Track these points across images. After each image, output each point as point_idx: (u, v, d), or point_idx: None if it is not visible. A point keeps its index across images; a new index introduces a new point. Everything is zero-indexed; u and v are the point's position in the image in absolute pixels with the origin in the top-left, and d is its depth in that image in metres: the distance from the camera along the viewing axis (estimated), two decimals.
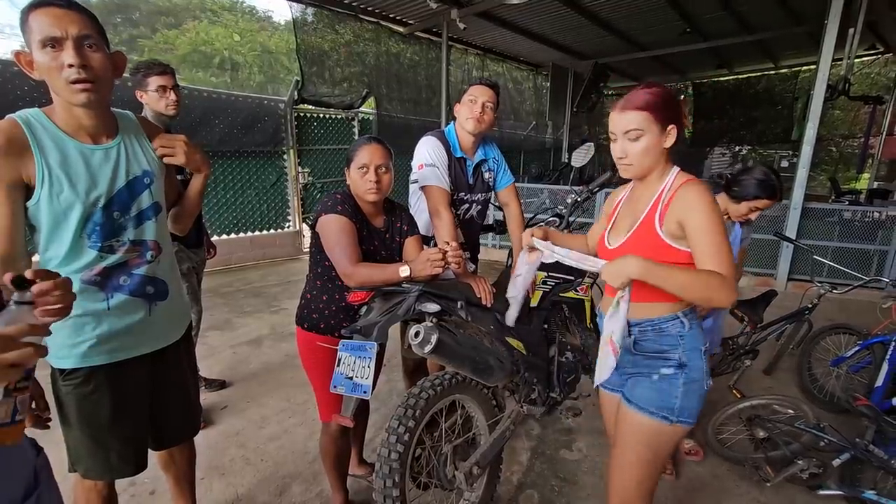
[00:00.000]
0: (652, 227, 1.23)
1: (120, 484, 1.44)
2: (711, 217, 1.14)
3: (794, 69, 10.96)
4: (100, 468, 1.31)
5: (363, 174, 1.59)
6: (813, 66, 5.77)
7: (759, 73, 11.68)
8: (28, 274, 0.75)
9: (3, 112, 1.14)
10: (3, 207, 1.10)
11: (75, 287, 1.19)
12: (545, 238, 1.42)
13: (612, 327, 1.16)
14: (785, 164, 13.85)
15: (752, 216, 1.97)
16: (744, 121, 12.23)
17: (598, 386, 1.49)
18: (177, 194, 1.51)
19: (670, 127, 1.21)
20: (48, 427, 0.88)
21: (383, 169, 1.61)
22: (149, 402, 1.39)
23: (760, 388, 3.03)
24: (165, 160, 1.35)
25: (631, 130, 1.20)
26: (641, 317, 1.29)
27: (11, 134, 1.09)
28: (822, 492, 1.96)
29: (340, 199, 1.60)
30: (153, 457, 1.51)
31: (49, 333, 0.74)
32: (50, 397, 1.20)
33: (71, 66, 1.05)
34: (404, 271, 1.47)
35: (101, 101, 1.16)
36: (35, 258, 1.24)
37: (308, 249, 1.77)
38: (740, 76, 11.84)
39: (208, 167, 1.47)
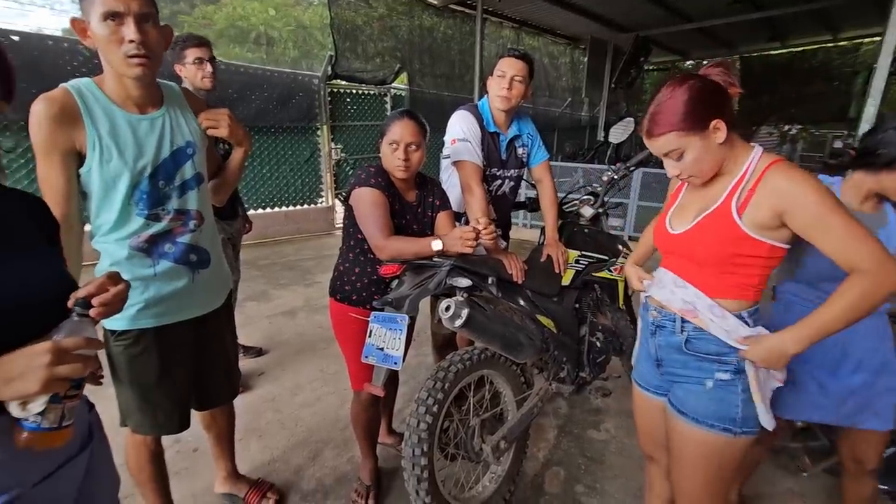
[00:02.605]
0: (728, 216, 1.07)
1: (166, 441, 1.53)
2: (826, 196, 0.96)
3: (855, 41, 10.21)
4: (147, 424, 1.40)
5: (393, 150, 1.58)
6: (878, 38, 5.34)
7: (815, 46, 10.93)
8: (95, 297, 0.78)
9: (54, 86, 1.18)
10: (59, 173, 1.16)
11: (124, 253, 1.25)
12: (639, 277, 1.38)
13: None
14: (838, 144, 12.99)
15: None
16: (794, 98, 11.52)
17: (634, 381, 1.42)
18: (216, 166, 1.55)
19: (714, 123, 1.04)
20: (101, 384, 0.94)
21: (413, 147, 1.59)
22: (192, 365, 1.46)
23: None
24: (209, 132, 1.39)
25: (670, 153, 1.09)
26: None
27: (65, 103, 1.13)
28: None
29: (374, 172, 1.60)
30: (196, 417, 1.60)
31: (102, 346, 0.76)
32: (103, 356, 1.28)
33: (132, 41, 1.09)
34: (436, 245, 1.47)
35: (153, 74, 1.20)
36: (87, 227, 1.30)
37: (341, 224, 1.79)
38: (794, 49, 11.11)
39: (249, 142, 1.52)
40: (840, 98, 10.38)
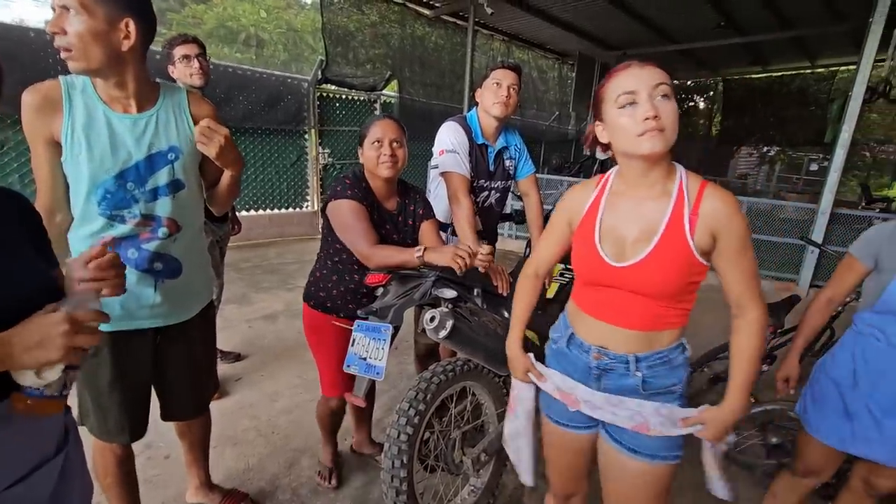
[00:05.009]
0: (682, 239, 1.00)
1: (136, 446, 1.48)
2: (748, 232, 1.00)
3: (831, 69, 10.60)
4: (98, 429, 1.36)
5: (377, 148, 1.58)
6: (852, 67, 5.56)
7: (793, 72, 11.32)
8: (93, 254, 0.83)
9: (36, 79, 1.17)
10: (43, 162, 1.16)
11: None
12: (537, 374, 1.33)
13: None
14: (814, 167, 13.45)
15: None
16: (774, 121, 11.90)
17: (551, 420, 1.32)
18: (220, 173, 1.42)
19: None
20: None
21: (397, 143, 1.60)
22: (151, 376, 1.41)
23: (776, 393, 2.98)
24: (198, 146, 1.28)
25: (662, 84, 0.95)
26: (650, 349, 1.09)
27: (49, 94, 1.13)
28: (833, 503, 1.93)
29: (350, 183, 1.59)
30: (170, 423, 1.55)
31: (107, 319, 0.78)
32: None
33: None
34: (419, 253, 1.46)
35: (95, 68, 1.11)
36: None
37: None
38: (773, 74, 11.49)
39: (238, 168, 1.36)
40: (816, 122, 10.72)
